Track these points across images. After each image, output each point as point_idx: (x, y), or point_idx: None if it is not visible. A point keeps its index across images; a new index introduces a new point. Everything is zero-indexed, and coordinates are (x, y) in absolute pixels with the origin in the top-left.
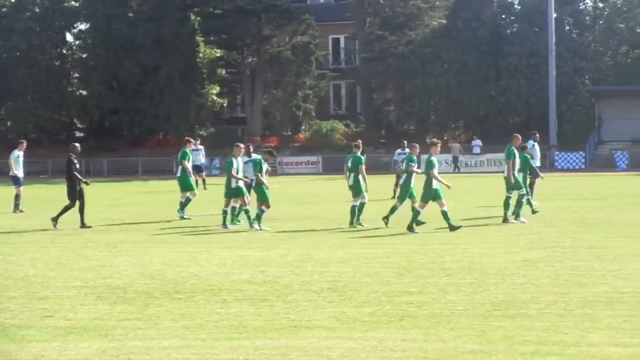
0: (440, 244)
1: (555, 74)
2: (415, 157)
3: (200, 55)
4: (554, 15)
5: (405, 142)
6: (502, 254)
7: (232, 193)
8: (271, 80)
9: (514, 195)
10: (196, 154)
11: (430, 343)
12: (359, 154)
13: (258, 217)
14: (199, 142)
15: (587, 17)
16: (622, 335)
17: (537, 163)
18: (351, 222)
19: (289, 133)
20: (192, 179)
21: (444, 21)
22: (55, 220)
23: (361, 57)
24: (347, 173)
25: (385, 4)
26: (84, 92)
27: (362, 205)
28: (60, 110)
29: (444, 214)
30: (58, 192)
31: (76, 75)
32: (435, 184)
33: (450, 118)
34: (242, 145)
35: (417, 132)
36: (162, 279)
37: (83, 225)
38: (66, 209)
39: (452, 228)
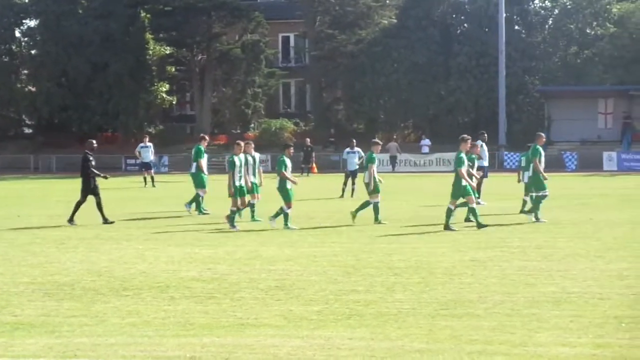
0: (388, 243)
1: (505, 74)
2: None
3: (150, 52)
4: (504, 15)
5: (354, 140)
6: (450, 253)
7: (238, 193)
8: (220, 78)
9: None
10: (145, 151)
11: (377, 342)
12: (374, 153)
13: (283, 216)
14: (147, 139)
15: (536, 18)
16: (569, 335)
17: (485, 163)
18: (376, 219)
19: (238, 131)
20: (206, 176)
21: (394, 20)
22: (71, 220)
23: (311, 55)
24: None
25: (336, 2)
26: (33, 89)
27: (375, 203)
28: (9, 107)
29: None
30: (5, 189)
31: (25, 71)
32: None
33: (400, 117)
34: (242, 143)
35: (366, 131)
36: (110, 275)
37: (105, 221)
38: (78, 205)
39: (447, 227)
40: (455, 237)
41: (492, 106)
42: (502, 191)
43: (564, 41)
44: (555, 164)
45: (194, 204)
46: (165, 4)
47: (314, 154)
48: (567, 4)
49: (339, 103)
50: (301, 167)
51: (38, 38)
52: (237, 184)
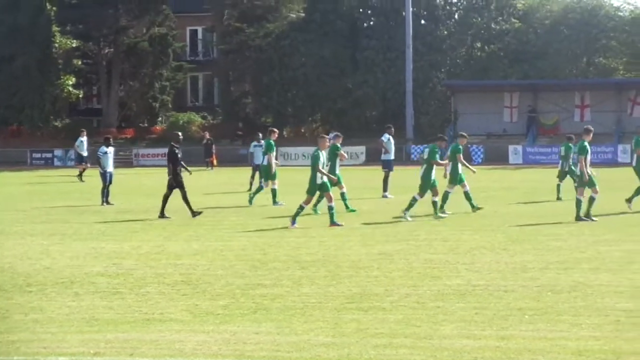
0: (296, 237)
1: (412, 67)
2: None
3: (56, 45)
4: (411, 9)
5: (260, 134)
6: (357, 247)
7: (317, 188)
8: (128, 71)
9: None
10: (82, 145)
11: (283, 336)
12: (460, 144)
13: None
14: (85, 133)
15: (442, 12)
16: (474, 328)
17: (391, 157)
18: (441, 207)
19: (146, 125)
20: (275, 169)
21: (302, 14)
22: (162, 214)
23: (219, 49)
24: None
25: None
26: None
27: (447, 194)
28: None
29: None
30: None
31: None
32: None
33: (308, 111)
34: (327, 137)
35: (274, 125)
36: (13, 271)
37: (193, 213)
38: (165, 198)
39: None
40: (364, 231)
41: (399, 100)
42: (409, 184)
43: (470, 35)
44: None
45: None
46: None
47: (214, 147)
48: None
49: (247, 97)
50: (205, 161)
51: None
52: (318, 181)
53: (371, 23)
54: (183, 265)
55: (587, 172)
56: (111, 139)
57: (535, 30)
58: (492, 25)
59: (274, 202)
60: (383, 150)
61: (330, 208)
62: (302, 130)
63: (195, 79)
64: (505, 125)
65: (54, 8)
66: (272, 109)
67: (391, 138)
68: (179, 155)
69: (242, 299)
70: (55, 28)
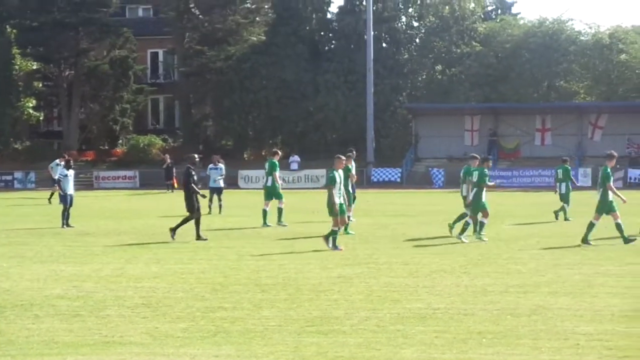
0: (256, 260)
1: (373, 91)
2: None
3: (16, 67)
4: (372, 33)
5: (217, 156)
6: (317, 270)
7: (339, 210)
8: (88, 93)
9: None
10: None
11: (243, 359)
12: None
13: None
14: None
15: (404, 36)
16: (434, 351)
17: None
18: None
19: (106, 147)
20: (280, 187)
21: (263, 37)
22: (198, 236)
23: (180, 71)
24: (471, 187)
25: (205, 19)
26: None
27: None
28: None
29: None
30: None
31: None
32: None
33: (269, 134)
34: (343, 158)
35: (235, 148)
36: None
37: (199, 237)
38: (186, 220)
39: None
40: (323, 254)
41: (360, 123)
42: (371, 208)
43: (431, 59)
44: (423, 181)
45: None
46: (32, 19)
47: (174, 170)
48: (434, 22)
49: (208, 119)
50: (166, 183)
51: None
52: (337, 201)
53: (332, 46)
54: (143, 288)
55: (610, 199)
56: (71, 161)
57: (496, 53)
58: (453, 49)
59: (279, 222)
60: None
61: (334, 232)
62: (263, 153)
63: (156, 102)
64: (466, 149)
65: (14, 30)
66: (233, 132)
67: (353, 162)
68: (194, 178)
69: (202, 322)
70: (15, 50)
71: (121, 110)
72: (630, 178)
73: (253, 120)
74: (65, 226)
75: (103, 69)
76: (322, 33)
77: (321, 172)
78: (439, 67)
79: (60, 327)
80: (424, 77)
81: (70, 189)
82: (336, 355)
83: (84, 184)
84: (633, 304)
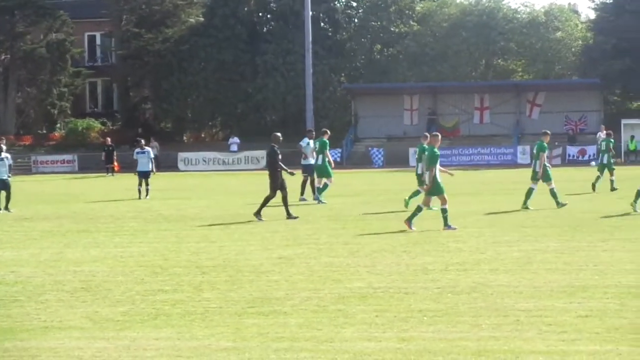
0: (196, 242)
1: (312, 71)
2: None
3: None
4: (310, 13)
5: (143, 141)
6: (257, 251)
7: (438, 187)
8: (25, 78)
9: None
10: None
11: (183, 341)
12: (544, 142)
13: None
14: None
15: (342, 16)
16: (375, 330)
17: (310, 161)
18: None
19: (44, 131)
20: (331, 167)
21: (202, 19)
22: (258, 214)
23: (117, 54)
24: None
25: (142, 1)
26: None
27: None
28: None
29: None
30: None
31: None
32: None
33: (208, 116)
34: (439, 135)
35: (174, 130)
36: None
37: (289, 216)
38: (267, 200)
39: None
40: (264, 235)
41: (299, 103)
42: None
43: (370, 39)
44: (363, 161)
45: (323, 192)
46: None
47: (115, 153)
48: (373, 1)
49: (147, 102)
50: (106, 167)
51: None
52: (439, 179)
53: (270, 27)
54: (82, 272)
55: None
56: (2, 143)
57: (434, 33)
58: (391, 29)
59: (319, 198)
60: (303, 155)
61: (444, 211)
62: (202, 135)
63: (94, 85)
64: (406, 128)
65: None
66: (171, 114)
67: (311, 142)
68: (280, 157)
69: (142, 305)
70: None
71: (59, 94)
72: (569, 155)
73: (192, 102)
74: (3, 209)
75: (40, 52)
76: (260, 14)
77: (261, 153)
78: (377, 47)
79: None
80: (363, 57)
81: (4, 174)
82: (277, 335)
83: (22, 169)
84: (571, 279)
